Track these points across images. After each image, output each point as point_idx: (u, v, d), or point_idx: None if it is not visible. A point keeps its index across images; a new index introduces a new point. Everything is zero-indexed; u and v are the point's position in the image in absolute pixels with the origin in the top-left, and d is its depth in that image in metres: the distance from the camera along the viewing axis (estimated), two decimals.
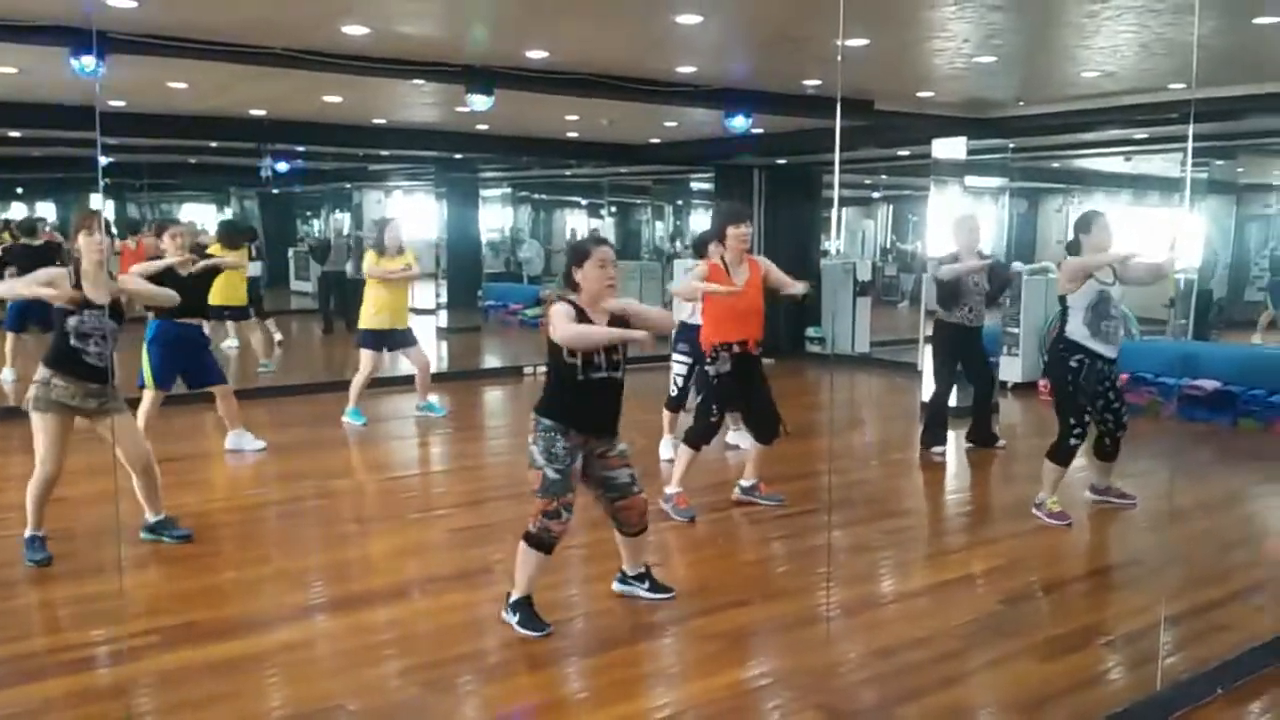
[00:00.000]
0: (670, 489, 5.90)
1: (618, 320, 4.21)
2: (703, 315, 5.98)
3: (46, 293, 4.82)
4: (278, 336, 11.69)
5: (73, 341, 4.83)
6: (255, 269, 11.77)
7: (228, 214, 19.54)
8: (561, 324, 4.06)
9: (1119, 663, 4.12)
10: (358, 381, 8.36)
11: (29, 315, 9.25)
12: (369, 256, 8.41)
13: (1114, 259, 5.66)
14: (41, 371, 4.90)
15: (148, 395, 6.81)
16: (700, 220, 19.12)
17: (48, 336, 5.17)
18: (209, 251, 8.63)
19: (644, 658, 4.15)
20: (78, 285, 4.86)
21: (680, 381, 7.14)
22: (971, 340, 7.46)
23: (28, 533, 4.99)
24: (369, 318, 8.31)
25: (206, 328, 7.51)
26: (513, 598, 4.27)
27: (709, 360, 5.83)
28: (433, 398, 8.86)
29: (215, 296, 8.27)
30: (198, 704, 3.60)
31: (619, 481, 4.30)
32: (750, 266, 5.79)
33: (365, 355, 8.33)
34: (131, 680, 3.76)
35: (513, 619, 4.25)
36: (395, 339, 8.43)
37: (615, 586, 4.65)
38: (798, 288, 5.80)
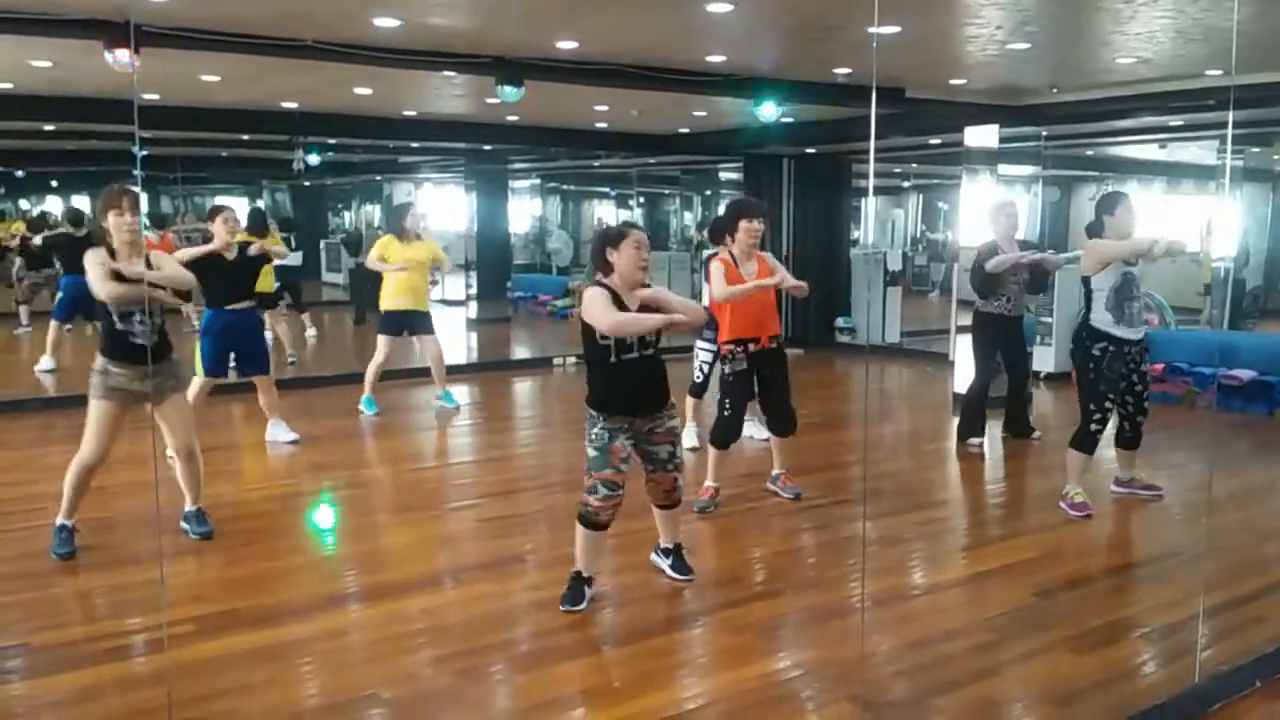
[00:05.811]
0: (709, 482, 5.93)
1: (648, 308, 4.29)
2: (716, 313, 5.86)
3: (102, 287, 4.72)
4: (310, 331, 11.74)
5: (118, 324, 4.80)
6: (297, 258, 11.85)
7: (260, 205, 19.68)
8: (601, 310, 4.13)
9: (1155, 655, 4.09)
10: (372, 368, 8.40)
11: (77, 306, 9.38)
12: (386, 241, 8.38)
13: (1142, 248, 5.58)
14: (99, 360, 4.86)
15: (195, 381, 6.80)
16: None
17: (92, 326, 5.17)
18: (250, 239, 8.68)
19: (675, 648, 4.15)
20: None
21: (705, 369, 7.12)
22: (1011, 330, 7.33)
23: (59, 520, 4.96)
24: (388, 299, 8.32)
25: (263, 314, 7.51)
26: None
27: (725, 359, 5.82)
28: (450, 388, 8.89)
29: None
30: (235, 692, 3.64)
31: (658, 457, 4.41)
32: (759, 262, 5.78)
33: (381, 341, 8.35)
34: (170, 668, 3.79)
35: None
36: (414, 322, 8.43)
37: (651, 557, 4.82)
38: (801, 288, 5.71)
